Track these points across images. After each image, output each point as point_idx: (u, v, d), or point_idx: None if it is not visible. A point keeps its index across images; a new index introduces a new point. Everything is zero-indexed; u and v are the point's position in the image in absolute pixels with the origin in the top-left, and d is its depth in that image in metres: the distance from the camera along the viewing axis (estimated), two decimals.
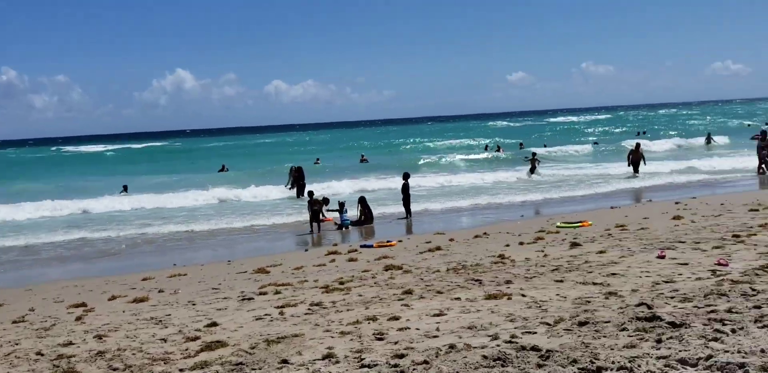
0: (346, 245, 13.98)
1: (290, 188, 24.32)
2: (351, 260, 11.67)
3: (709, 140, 42.51)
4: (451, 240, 13.03)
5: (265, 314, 7.78)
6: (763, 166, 23.24)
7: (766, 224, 11.61)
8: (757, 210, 13.52)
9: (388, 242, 13.34)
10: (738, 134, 45.06)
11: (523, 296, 7.67)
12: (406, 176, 18.40)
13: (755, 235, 10.68)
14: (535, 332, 5.90)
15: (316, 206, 16.67)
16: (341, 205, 16.94)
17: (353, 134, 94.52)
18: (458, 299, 7.78)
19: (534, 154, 28.46)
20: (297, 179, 23.98)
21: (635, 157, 25.03)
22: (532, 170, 26.84)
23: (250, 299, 8.87)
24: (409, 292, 8.34)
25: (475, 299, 7.67)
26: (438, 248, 12.03)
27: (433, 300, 7.84)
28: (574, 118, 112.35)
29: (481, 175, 27.17)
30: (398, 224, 17.02)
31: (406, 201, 17.70)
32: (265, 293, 9.17)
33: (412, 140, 67.13)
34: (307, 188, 20.52)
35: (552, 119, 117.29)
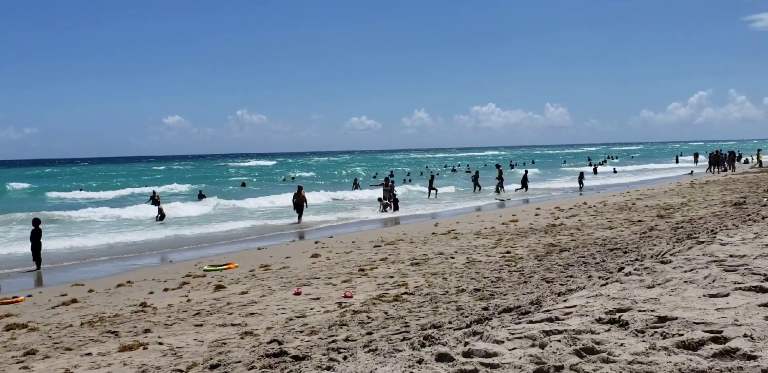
0: None
1: None
2: None
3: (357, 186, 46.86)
4: (91, 291, 12.17)
5: None
6: (386, 204, 26.90)
7: (386, 258, 13.26)
8: (380, 246, 15.35)
9: (14, 297, 11.89)
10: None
11: (161, 344, 7.53)
12: (36, 222, 16.77)
13: (377, 268, 12.11)
14: None
15: None
16: None
17: None
18: (89, 354, 7.31)
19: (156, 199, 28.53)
20: None
21: (299, 200, 25.72)
22: (162, 217, 27.28)
23: None
24: (32, 352, 7.56)
25: (108, 353, 7.29)
26: (74, 301, 11.15)
27: (59, 358, 7.23)
28: (249, 163, 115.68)
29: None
30: (27, 277, 15.27)
31: (35, 249, 16.07)
32: None
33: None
34: None
35: (215, 164, 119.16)
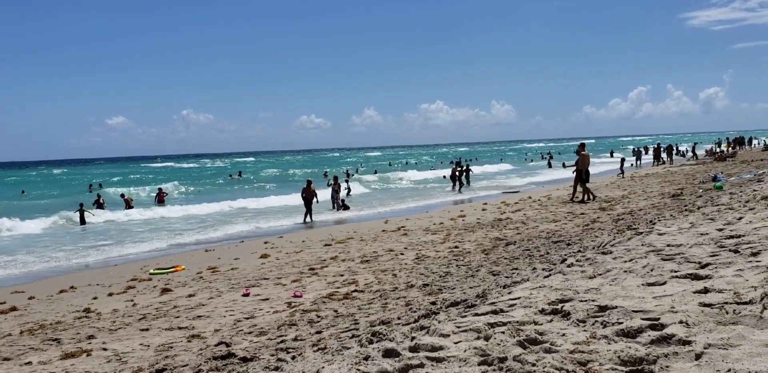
0: None
1: None
2: None
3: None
4: (31, 298, 11.79)
5: None
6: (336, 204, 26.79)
7: (336, 256, 13.24)
8: (330, 245, 15.30)
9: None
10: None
11: (105, 350, 7.35)
12: None
13: (327, 267, 12.07)
14: None
15: None
16: None
17: None
18: (29, 363, 7.08)
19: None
20: None
21: (308, 195, 24.83)
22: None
23: None
24: None
25: (50, 361, 7.07)
26: (13, 309, 10.78)
27: None
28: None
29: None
30: None
31: None
32: None
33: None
34: None
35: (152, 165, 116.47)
